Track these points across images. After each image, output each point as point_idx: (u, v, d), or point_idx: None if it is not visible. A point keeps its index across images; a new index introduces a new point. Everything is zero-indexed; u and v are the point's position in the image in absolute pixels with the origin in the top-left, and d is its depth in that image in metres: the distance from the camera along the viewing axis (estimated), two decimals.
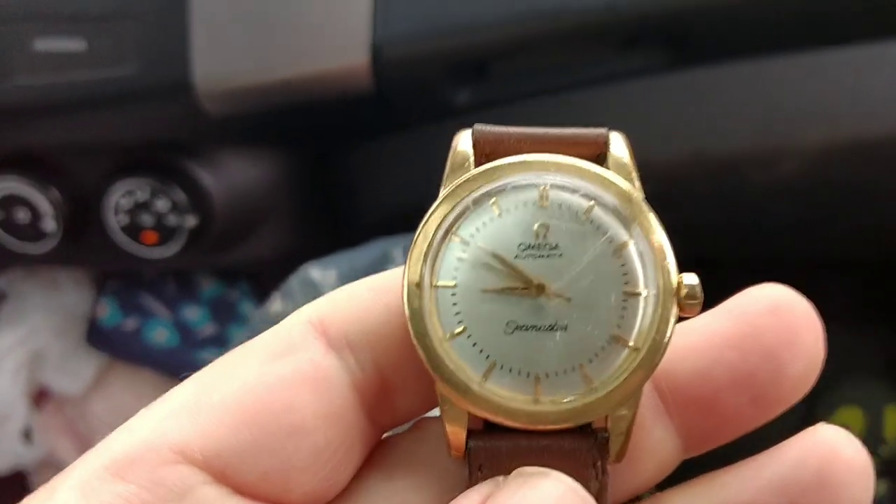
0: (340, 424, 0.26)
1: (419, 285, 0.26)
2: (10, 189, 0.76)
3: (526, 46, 0.67)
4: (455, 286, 0.26)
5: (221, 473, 0.25)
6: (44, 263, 0.89)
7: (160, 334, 0.93)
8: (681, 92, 0.71)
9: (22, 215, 0.77)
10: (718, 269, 1.32)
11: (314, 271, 0.73)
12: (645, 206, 0.26)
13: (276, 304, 0.74)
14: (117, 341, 0.94)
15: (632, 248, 0.26)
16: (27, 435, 0.99)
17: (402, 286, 0.26)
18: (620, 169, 0.27)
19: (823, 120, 0.72)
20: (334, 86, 0.66)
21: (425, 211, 0.26)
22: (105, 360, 0.97)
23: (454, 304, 0.26)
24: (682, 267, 0.28)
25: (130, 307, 0.94)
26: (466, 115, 0.74)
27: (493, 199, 0.26)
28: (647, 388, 0.29)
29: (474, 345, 0.26)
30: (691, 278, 0.26)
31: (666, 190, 0.76)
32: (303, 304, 0.65)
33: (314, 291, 0.70)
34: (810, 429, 0.30)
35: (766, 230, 0.83)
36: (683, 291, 0.26)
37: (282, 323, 0.28)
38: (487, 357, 0.25)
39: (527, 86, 0.72)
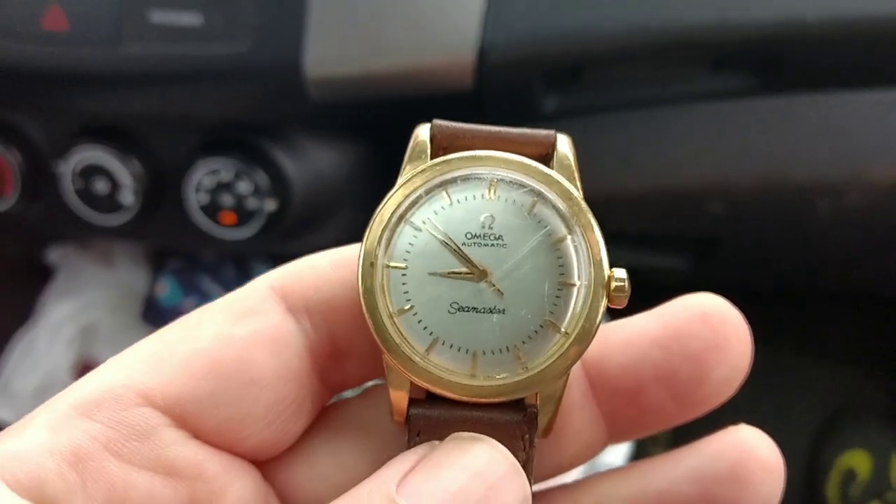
0: (294, 382, 0.29)
1: (373, 265, 0.28)
2: (92, 159, 0.77)
3: (623, 58, 0.69)
4: (405, 267, 0.28)
5: (181, 418, 0.27)
6: (116, 237, 0.89)
7: None
8: (761, 117, 0.73)
9: (101, 186, 0.78)
10: (742, 301, 1.33)
11: None
12: (584, 205, 0.28)
13: None
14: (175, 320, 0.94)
15: (569, 243, 0.28)
16: None
17: (358, 265, 0.28)
18: (564, 169, 0.29)
19: (892, 154, 0.74)
20: (437, 82, 0.68)
21: None
22: None
23: (404, 283, 0.28)
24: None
25: (190, 287, 0.94)
26: (551, 121, 0.76)
27: (445, 190, 0.28)
28: (579, 376, 0.31)
29: (419, 322, 0.28)
30: (621, 273, 0.28)
31: (736, 211, 0.79)
32: None
33: None
34: (731, 427, 0.33)
35: (823, 259, 0.86)
36: (613, 284, 0.28)
37: (246, 286, 0.30)
38: (431, 333, 0.28)
39: (613, 97, 0.74)
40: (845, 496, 1.21)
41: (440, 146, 0.30)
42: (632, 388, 0.31)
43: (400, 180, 0.29)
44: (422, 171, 0.28)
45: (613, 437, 0.33)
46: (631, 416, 0.32)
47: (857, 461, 1.24)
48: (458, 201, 0.28)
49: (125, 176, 0.77)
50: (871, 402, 1.32)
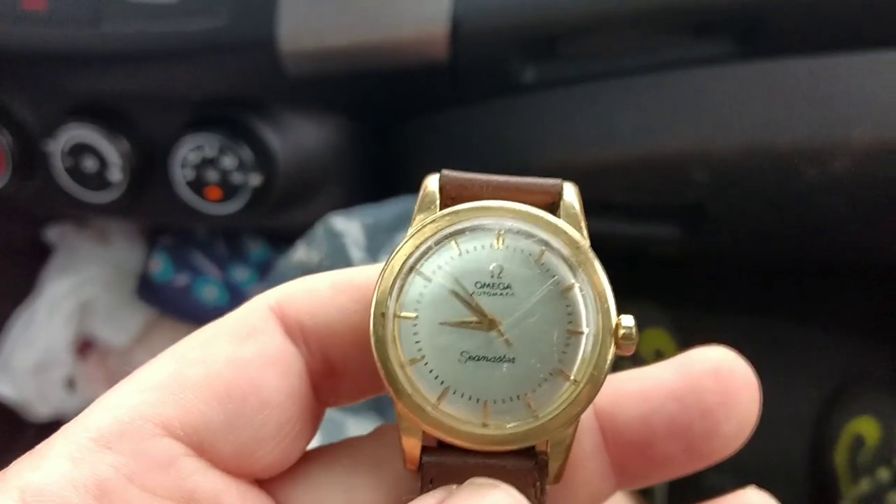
0: (299, 402, 0.29)
1: (384, 315, 0.28)
2: (80, 137, 0.78)
3: (599, 26, 0.69)
4: (416, 317, 0.28)
5: (199, 447, 0.27)
6: (106, 214, 0.91)
7: (210, 292, 0.95)
8: (743, 83, 0.73)
9: (90, 164, 0.79)
10: (747, 273, 1.33)
11: (338, 221, 0.75)
12: (591, 254, 0.29)
13: (299, 252, 0.76)
14: (168, 296, 0.95)
15: (577, 291, 0.28)
16: (70, 384, 1.01)
17: (370, 314, 0.28)
18: (571, 218, 0.29)
19: (877, 119, 0.73)
20: (412, 54, 0.68)
21: None
22: (151, 315, 0.99)
23: (415, 333, 0.28)
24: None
25: (182, 264, 0.96)
26: (531, 93, 0.76)
27: (455, 240, 0.29)
28: (592, 426, 0.32)
29: (431, 371, 0.28)
30: (628, 320, 0.28)
31: (721, 180, 0.78)
32: (326, 252, 0.69)
33: (337, 240, 0.72)
34: (738, 491, 0.33)
35: (810, 227, 0.85)
36: (621, 332, 0.28)
37: (245, 306, 0.30)
38: (442, 383, 0.28)
39: (592, 67, 0.74)
40: (854, 463, 1.21)
41: (449, 196, 0.30)
42: (644, 439, 0.32)
43: (410, 231, 0.29)
44: (432, 222, 0.29)
45: (622, 485, 0.33)
46: (641, 466, 0.32)
47: (865, 428, 1.24)
48: (468, 251, 0.29)
49: (113, 154, 0.79)
50: (877, 370, 1.31)
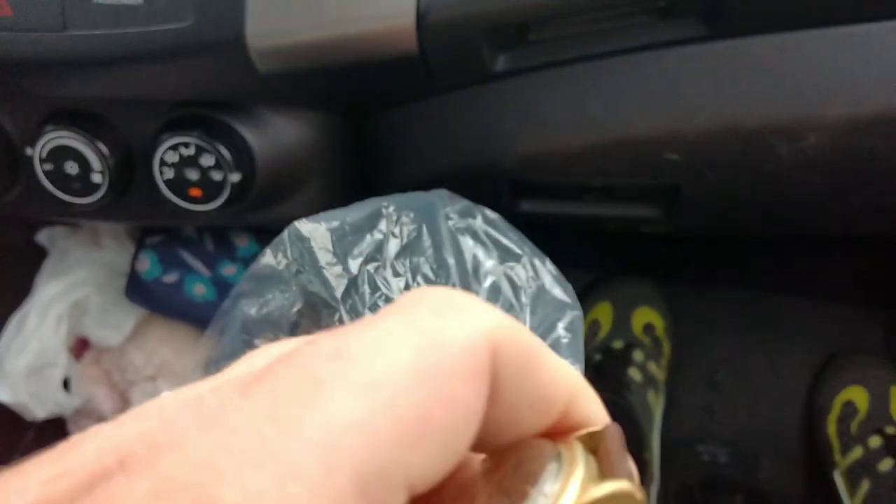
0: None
1: None
2: (58, 142, 0.79)
3: (566, 11, 0.69)
4: None
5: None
6: (92, 217, 0.91)
7: (199, 289, 0.96)
8: (713, 63, 0.73)
9: (71, 168, 0.80)
10: (737, 246, 1.33)
11: (303, 226, 0.77)
12: None
13: (268, 257, 0.78)
14: (157, 294, 0.96)
15: None
16: (66, 384, 1.02)
17: None
18: None
19: (849, 94, 0.74)
20: (381, 47, 0.68)
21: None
22: (142, 314, 1.00)
23: None
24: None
25: (170, 262, 0.97)
26: (504, 81, 0.76)
27: None
28: None
29: None
30: None
31: (695, 160, 0.79)
32: (291, 257, 0.70)
33: (303, 244, 0.74)
34: None
35: (787, 203, 0.86)
36: None
37: (467, 335, 0.25)
38: None
39: (562, 53, 0.74)
40: (845, 433, 1.22)
41: None
42: None
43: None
44: None
45: None
46: None
47: (856, 397, 1.25)
48: None
49: (93, 157, 0.79)
50: (867, 339, 1.32)
